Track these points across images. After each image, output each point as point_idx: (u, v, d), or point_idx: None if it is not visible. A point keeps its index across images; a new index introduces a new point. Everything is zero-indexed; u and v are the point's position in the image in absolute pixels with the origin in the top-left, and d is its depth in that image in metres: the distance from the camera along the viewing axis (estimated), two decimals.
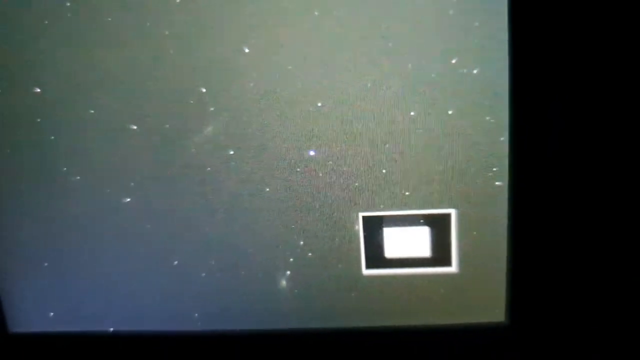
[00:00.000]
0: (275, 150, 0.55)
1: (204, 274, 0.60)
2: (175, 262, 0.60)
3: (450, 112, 0.52)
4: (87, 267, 0.61)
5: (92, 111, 0.57)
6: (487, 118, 0.52)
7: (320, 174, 0.56)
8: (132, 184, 0.59)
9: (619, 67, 0.46)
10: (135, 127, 0.57)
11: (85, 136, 0.58)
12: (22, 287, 0.62)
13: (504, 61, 0.50)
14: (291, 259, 0.58)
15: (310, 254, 0.58)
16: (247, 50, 0.53)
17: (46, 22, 0.54)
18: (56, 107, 0.57)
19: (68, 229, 0.61)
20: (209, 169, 0.57)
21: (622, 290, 0.50)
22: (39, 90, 0.57)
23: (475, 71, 0.50)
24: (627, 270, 0.49)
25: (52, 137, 0.58)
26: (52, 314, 0.63)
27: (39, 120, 0.58)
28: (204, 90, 0.55)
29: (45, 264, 0.62)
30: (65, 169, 0.59)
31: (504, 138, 0.52)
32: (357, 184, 0.55)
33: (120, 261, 0.61)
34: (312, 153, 0.55)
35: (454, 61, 0.50)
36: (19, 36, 0.55)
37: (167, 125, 0.56)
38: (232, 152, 0.56)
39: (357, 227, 0.56)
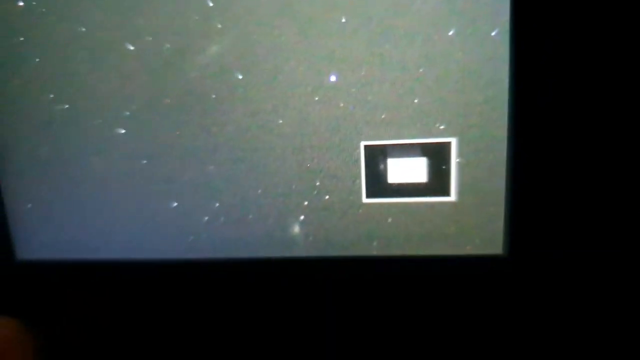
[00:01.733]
0: (290, 75, 0.48)
1: (206, 218, 0.53)
2: (174, 204, 0.53)
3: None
4: (86, 199, 0.55)
5: (83, 29, 0.50)
6: None
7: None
8: (127, 113, 0.52)
9: None
10: (131, 47, 0.50)
11: (74, 58, 0.51)
12: (29, 217, 0.56)
13: None
14: (305, 202, 0.51)
15: (327, 196, 0.51)
16: None
17: None
18: (40, 23, 0.50)
19: (61, 162, 0.54)
20: (213, 96, 0.50)
21: (622, 224, 0.48)
22: (21, 3, 0.50)
23: None
24: (627, 204, 0.48)
25: (37, 60, 0.51)
26: (56, 242, 0.57)
27: (21, 39, 0.51)
28: (210, 4, 0.47)
29: (49, 196, 0.55)
30: (51, 95, 0.52)
31: None
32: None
33: (117, 197, 0.54)
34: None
35: None
36: None
37: (168, 45, 0.49)
38: (240, 77, 0.49)
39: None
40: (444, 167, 0.48)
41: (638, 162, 0.46)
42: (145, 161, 0.52)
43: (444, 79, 0.46)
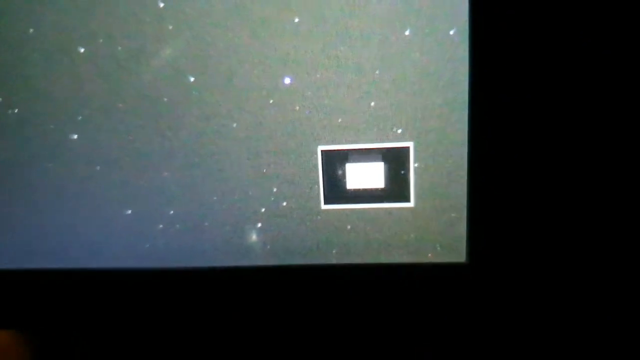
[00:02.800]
0: (245, 78, 0.47)
1: (160, 226, 0.51)
2: (128, 212, 0.52)
3: (451, 32, 0.43)
4: (38, 207, 0.53)
5: (31, 30, 0.48)
6: None
7: (298, 108, 0.47)
8: (80, 117, 0.50)
9: None
10: (82, 50, 0.48)
11: (23, 60, 0.49)
12: None
13: None
14: (263, 209, 0.50)
15: (284, 203, 0.49)
16: None
17: None
18: None
19: (11, 168, 0.52)
20: (165, 99, 0.48)
21: (582, 228, 0.47)
22: None
23: None
24: (589, 209, 0.46)
25: None
26: (7, 250, 0.55)
27: None
28: (161, 4, 0.46)
29: None
30: (0, 99, 0.51)
31: None
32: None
33: (70, 204, 0.52)
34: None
35: None
36: None
37: (119, 48, 0.48)
38: (193, 80, 0.47)
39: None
40: (402, 172, 0.47)
41: (604, 164, 0.45)
42: (98, 167, 0.51)
43: (401, 81, 0.45)
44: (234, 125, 0.48)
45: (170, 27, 0.46)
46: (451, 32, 0.43)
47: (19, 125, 0.51)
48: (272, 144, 0.48)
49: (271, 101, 0.47)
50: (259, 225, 0.50)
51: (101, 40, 0.48)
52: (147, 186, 0.51)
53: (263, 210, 0.50)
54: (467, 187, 0.46)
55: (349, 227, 0.49)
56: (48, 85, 0.49)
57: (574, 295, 0.48)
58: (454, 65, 0.44)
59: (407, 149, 0.46)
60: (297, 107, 0.47)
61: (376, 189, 0.48)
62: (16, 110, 0.50)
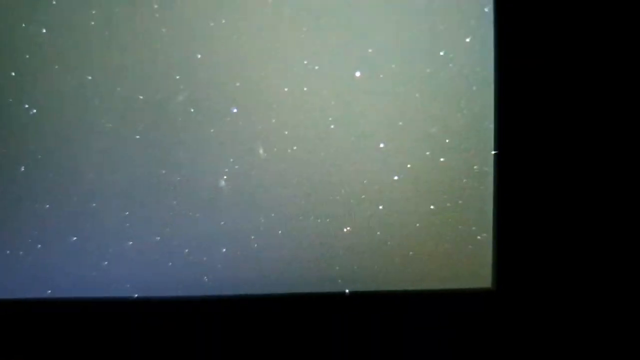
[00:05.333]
0: None
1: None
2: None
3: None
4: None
5: None
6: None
7: None
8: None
9: None
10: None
11: None
12: None
13: None
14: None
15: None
16: None
17: None
18: None
19: None
20: None
21: (609, 255, 0.45)
22: None
23: None
24: (614, 235, 0.45)
25: None
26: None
27: None
28: None
29: None
30: None
31: None
32: None
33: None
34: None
35: None
36: None
37: None
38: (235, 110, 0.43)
39: None
40: None
41: (628, 195, 0.42)
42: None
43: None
44: None
45: None
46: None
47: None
48: None
49: None
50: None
51: None
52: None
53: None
54: (494, 208, 0.43)
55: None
56: None
57: (607, 325, 0.46)
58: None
59: None
60: None
61: None
62: None
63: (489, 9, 0.40)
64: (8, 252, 0.50)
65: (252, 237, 0.46)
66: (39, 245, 0.50)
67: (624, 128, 0.41)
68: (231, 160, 0.45)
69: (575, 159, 0.42)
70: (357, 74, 0.42)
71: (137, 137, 0.46)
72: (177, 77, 0.44)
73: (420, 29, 0.41)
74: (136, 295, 0.49)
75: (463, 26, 0.40)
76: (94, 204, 0.48)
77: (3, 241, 0.50)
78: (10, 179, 0.49)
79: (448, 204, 0.43)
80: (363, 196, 0.44)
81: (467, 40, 0.40)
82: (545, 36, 0.40)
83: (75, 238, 0.49)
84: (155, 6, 0.43)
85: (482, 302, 0.46)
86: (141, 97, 0.45)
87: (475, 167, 0.42)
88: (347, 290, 0.46)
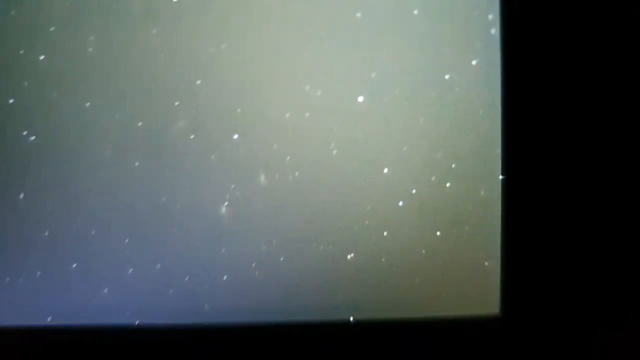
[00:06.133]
0: None
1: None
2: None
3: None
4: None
5: None
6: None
7: None
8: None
9: None
10: None
11: None
12: None
13: None
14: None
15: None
16: None
17: None
18: None
19: None
20: None
21: (618, 280, 0.44)
22: None
23: None
24: (622, 260, 0.44)
25: None
26: None
27: None
28: None
29: None
30: None
31: None
32: None
33: None
34: None
35: None
36: None
37: None
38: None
39: None
40: None
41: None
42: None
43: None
44: None
45: None
46: None
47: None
48: None
49: None
50: None
51: None
52: None
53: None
54: (501, 234, 0.42)
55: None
56: None
57: (618, 352, 0.44)
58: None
59: None
60: None
61: None
62: None
63: (495, 31, 0.39)
64: (8, 279, 0.50)
65: (254, 264, 0.46)
66: (39, 272, 0.49)
67: (636, 154, 0.40)
68: (232, 186, 0.44)
69: (584, 184, 0.41)
70: (360, 99, 0.41)
71: (137, 164, 0.45)
72: (177, 104, 0.43)
73: (424, 52, 0.40)
74: (137, 323, 0.48)
75: (469, 49, 0.39)
76: (94, 231, 0.47)
77: (3, 268, 0.50)
78: (9, 205, 0.48)
79: (454, 230, 0.42)
80: (367, 222, 0.43)
81: (474, 63, 0.40)
82: (554, 59, 0.39)
83: (75, 265, 0.48)
84: (154, 31, 0.43)
85: (490, 328, 0.45)
86: (140, 124, 0.44)
87: (482, 192, 0.41)
88: (351, 318, 0.46)
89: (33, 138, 0.46)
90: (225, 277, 0.46)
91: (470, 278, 0.43)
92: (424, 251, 0.43)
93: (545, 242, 0.42)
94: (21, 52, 0.45)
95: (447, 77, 0.40)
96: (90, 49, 0.44)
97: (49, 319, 0.49)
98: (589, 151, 0.41)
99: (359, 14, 0.40)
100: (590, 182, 0.41)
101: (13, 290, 0.49)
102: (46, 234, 0.48)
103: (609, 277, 0.43)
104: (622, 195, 0.41)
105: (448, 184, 0.42)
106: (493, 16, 0.39)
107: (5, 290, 0.50)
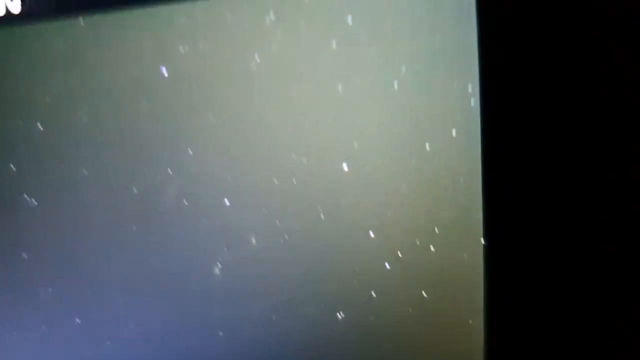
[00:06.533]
0: None
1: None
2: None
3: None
4: None
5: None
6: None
7: None
8: None
9: None
10: None
11: None
12: None
13: None
14: None
15: None
16: None
17: None
18: None
19: None
20: None
21: (600, 335, 0.44)
22: None
23: None
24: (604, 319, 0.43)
25: None
26: None
27: None
28: None
29: None
30: None
31: None
32: None
33: None
34: None
35: None
36: None
37: None
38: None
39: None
40: None
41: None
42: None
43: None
44: None
45: None
46: None
47: None
48: None
49: None
50: None
51: None
52: None
53: None
54: (484, 295, 0.43)
55: None
56: None
57: None
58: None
59: None
60: None
61: None
62: None
63: (475, 102, 0.40)
64: (14, 333, 0.52)
65: (247, 322, 0.47)
66: (44, 327, 0.51)
67: (620, 213, 0.41)
68: (225, 249, 0.46)
69: (565, 247, 0.42)
70: (345, 167, 0.42)
71: (134, 228, 0.47)
72: (170, 173, 0.45)
73: (405, 123, 0.41)
74: None
75: (449, 120, 0.40)
76: (94, 290, 0.49)
77: (9, 323, 0.52)
78: (14, 265, 0.50)
79: (439, 290, 0.44)
80: (355, 282, 0.45)
81: (453, 133, 0.41)
82: (533, 129, 0.40)
83: (78, 320, 0.51)
84: (144, 103, 0.44)
85: None
86: (135, 191, 0.46)
87: (465, 255, 0.43)
88: None
89: (34, 203, 0.48)
90: (220, 333, 0.48)
91: (455, 335, 0.45)
92: (410, 309, 0.44)
93: (526, 300, 0.43)
94: (20, 122, 0.47)
95: (427, 146, 0.41)
96: (85, 120, 0.45)
97: None
98: (570, 215, 0.41)
99: (340, 88, 0.41)
100: (572, 246, 0.42)
101: (19, 344, 0.52)
102: (49, 290, 0.50)
103: (593, 331, 0.44)
104: (603, 254, 0.42)
105: (432, 248, 0.43)
106: (472, 87, 0.40)
107: (11, 344, 0.52)
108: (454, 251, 0.43)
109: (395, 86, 0.40)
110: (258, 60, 0.42)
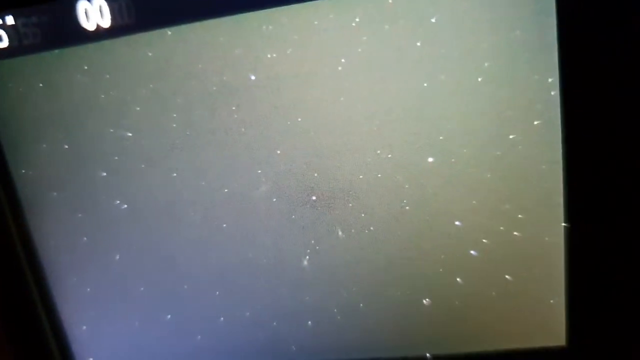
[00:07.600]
0: None
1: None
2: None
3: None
4: None
5: None
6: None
7: None
8: None
9: None
10: None
11: None
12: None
13: None
14: None
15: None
16: None
17: None
18: None
19: None
20: None
21: None
22: None
23: None
24: None
25: None
26: None
27: None
28: None
29: None
30: None
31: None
32: None
33: None
34: None
35: None
36: None
37: None
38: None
39: None
40: None
41: None
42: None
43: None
44: None
45: None
46: None
47: None
48: None
49: None
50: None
51: None
52: None
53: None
54: (565, 275, 0.45)
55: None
56: None
57: None
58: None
59: None
60: None
61: None
62: None
63: (555, 93, 0.42)
64: (110, 328, 0.55)
65: (335, 310, 0.50)
66: (137, 323, 0.54)
67: None
68: (312, 242, 0.48)
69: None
70: (430, 159, 0.44)
71: (224, 225, 0.49)
72: (259, 171, 0.47)
73: (489, 115, 0.43)
74: None
75: (530, 111, 0.42)
76: (186, 286, 0.52)
77: (105, 319, 0.55)
78: (107, 265, 0.53)
79: (523, 274, 0.46)
80: (441, 270, 0.47)
81: (535, 123, 0.42)
82: (612, 118, 0.42)
83: (169, 316, 0.53)
84: (234, 108, 0.46)
85: (557, 358, 0.48)
86: (226, 191, 0.48)
87: (546, 238, 0.45)
88: (428, 354, 0.50)
89: (125, 206, 0.50)
90: (309, 322, 0.50)
91: (537, 315, 0.47)
92: (494, 293, 0.47)
93: (607, 280, 0.45)
94: (111, 130, 0.49)
95: (511, 137, 0.43)
96: (174, 125, 0.48)
97: None
98: None
99: (425, 84, 0.43)
100: None
101: (115, 339, 0.55)
102: (142, 289, 0.53)
103: None
104: None
105: (515, 233, 0.45)
106: (553, 79, 0.42)
107: (107, 338, 0.55)
108: (537, 235, 0.45)
109: (480, 80, 0.42)
110: (344, 61, 0.44)
